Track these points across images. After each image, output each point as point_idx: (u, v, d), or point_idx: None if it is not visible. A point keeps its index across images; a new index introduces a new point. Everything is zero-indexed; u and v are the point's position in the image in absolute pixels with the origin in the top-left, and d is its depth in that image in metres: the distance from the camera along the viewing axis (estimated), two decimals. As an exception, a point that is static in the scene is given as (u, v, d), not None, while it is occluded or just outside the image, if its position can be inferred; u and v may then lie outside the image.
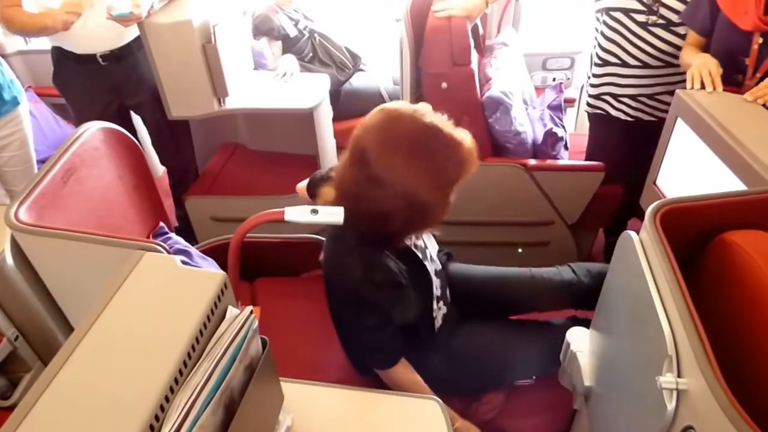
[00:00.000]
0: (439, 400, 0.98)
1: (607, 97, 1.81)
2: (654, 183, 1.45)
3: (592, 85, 1.84)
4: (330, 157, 2.16)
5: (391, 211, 1.02)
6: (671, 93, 1.39)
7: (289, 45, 2.42)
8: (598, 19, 1.75)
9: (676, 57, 1.65)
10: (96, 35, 1.86)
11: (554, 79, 2.50)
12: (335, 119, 2.22)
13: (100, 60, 1.92)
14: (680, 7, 1.57)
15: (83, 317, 0.70)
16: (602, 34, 1.73)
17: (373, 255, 1.10)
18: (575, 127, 2.64)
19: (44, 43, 2.15)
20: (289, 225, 1.14)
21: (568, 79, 2.53)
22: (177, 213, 2.33)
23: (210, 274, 0.76)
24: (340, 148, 2.21)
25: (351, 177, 1.04)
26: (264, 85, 2.16)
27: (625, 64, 1.71)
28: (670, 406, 0.74)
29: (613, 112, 1.81)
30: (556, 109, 2.08)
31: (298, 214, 1.11)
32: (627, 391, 0.92)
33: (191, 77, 1.88)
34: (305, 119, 2.02)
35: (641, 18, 1.62)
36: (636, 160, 1.70)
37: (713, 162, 1.18)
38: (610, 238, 2.21)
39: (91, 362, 0.65)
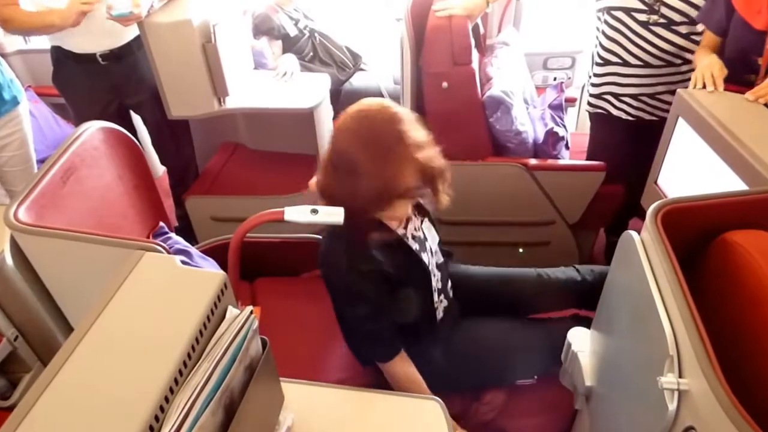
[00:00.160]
0: (440, 400, 0.97)
1: (609, 97, 1.80)
2: (655, 183, 1.45)
3: (593, 85, 1.84)
4: (330, 156, 2.15)
5: (349, 192, 1.07)
6: (672, 92, 1.39)
7: (289, 44, 2.42)
8: (599, 19, 1.75)
9: (678, 56, 1.64)
10: (96, 35, 1.86)
11: (555, 79, 2.49)
12: (335, 119, 2.22)
13: (99, 59, 1.92)
14: (681, 6, 1.57)
15: (83, 317, 0.70)
16: (603, 33, 1.73)
17: (359, 246, 1.11)
18: (576, 127, 2.64)
19: (44, 43, 2.14)
20: (289, 225, 1.14)
21: (569, 78, 2.53)
22: (177, 213, 2.33)
23: (210, 274, 0.76)
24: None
25: (323, 170, 1.11)
26: (264, 84, 2.16)
27: (626, 64, 1.71)
28: (672, 406, 0.74)
29: (615, 112, 1.81)
30: (557, 108, 2.08)
31: (297, 214, 1.11)
32: (628, 391, 0.92)
33: (191, 77, 1.88)
34: (306, 119, 2.02)
35: (642, 17, 1.62)
36: (637, 159, 1.70)
37: (714, 161, 1.18)
38: (612, 238, 2.21)
39: (91, 362, 0.65)
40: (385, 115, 1.05)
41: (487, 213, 1.94)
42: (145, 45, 1.83)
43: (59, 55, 1.94)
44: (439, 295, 1.29)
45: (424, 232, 1.26)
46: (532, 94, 2.14)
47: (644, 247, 0.88)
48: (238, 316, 0.75)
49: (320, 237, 1.52)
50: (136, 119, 2.22)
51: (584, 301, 1.37)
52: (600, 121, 1.89)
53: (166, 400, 0.62)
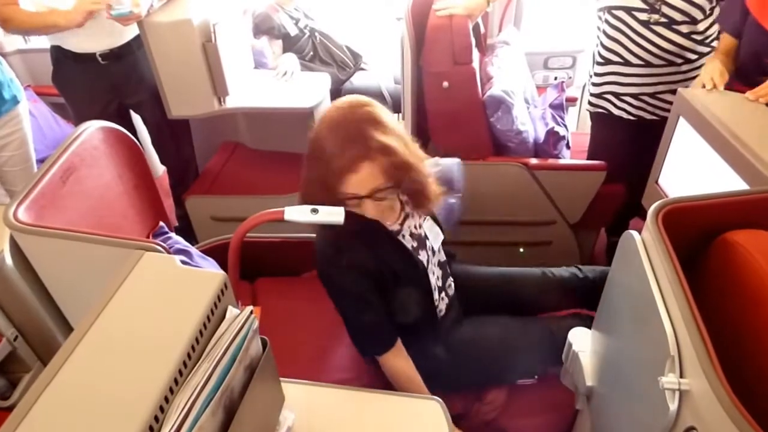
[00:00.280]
0: (440, 400, 0.97)
1: (609, 96, 1.80)
2: (656, 182, 1.45)
3: (594, 84, 1.84)
4: (330, 156, 2.15)
5: (304, 177, 1.09)
6: (673, 92, 1.39)
7: (289, 44, 2.42)
8: (600, 18, 1.75)
9: (679, 56, 1.64)
10: (95, 34, 1.86)
11: (556, 78, 2.49)
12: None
13: (99, 59, 1.92)
14: (683, 5, 1.57)
15: (83, 317, 0.70)
16: (604, 32, 1.73)
17: (343, 239, 1.12)
18: (577, 126, 2.64)
19: (43, 42, 2.14)
20: (289, 224, 1.14)
21: (570, 77, 2.52)
22: (177, 212, 2.33)
23: (210, 274, 0.76)
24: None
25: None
26: (264, 84, 2.16)
27: (627, 63, 1.71)
28: (673, 406, 0.74)
29: (615, 111, 1.81)
30: (558, 108, 2.08)
31: (298, 213, 1.11)
32: (629, 391, 0.92)
33: (191, 76, 1.88)
34: (306, 118, 2.01)
35: (643, 16, 1.61)
36: (638, 159, 1.70)
37: (715, 161, 1.18)
38: (613, 238, 2.21)
39: (91, 362, 0.65)
40: (362, 112, 1.05)
41: (488, 213, 1.94)
42: (145, 44, 1.83)
43: (59, 54, 1.94)
44: (439, 293, 1.30)
45: (424, 231, 1.26)
46: (533, 94, 2.13)
47: (645, 246, 0.88)
48: (238, 316, 0.74)
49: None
50: (136, 119, 2.22)
51: (585, 300, 1.37)
52: (601, 120, 1.89)
53: (166, 400, 0.62)
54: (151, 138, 2.24)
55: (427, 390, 1.20)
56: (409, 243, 1.23)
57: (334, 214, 1.08)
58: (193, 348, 0.68)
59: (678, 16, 1.59)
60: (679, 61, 1.65)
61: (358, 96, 1.12)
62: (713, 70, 1.37)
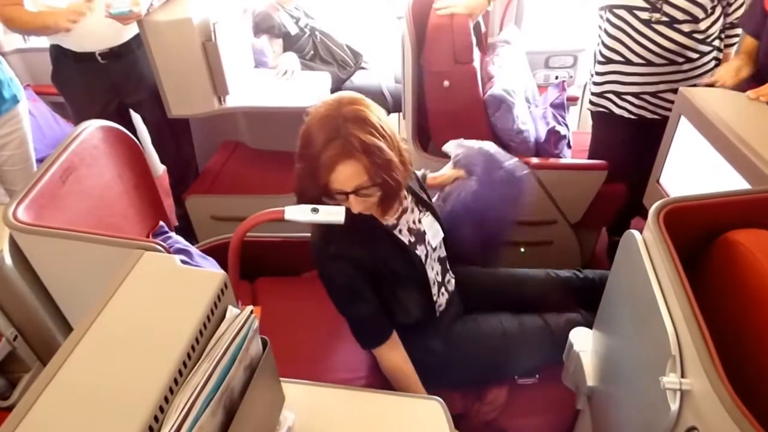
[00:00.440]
0: (441, 400, 0.97)
1: (611, 95, 1.80)
2: (657, 182, 1.45)
3: (596, 83, 1.83)
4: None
5: (300, 171, 1.10)
6: (674, 91, 1.39)
7: (290, 43, 2.42)
8: (601, 17, 1.74)
9: (680, 55, 1.64)
10: (95, 33, 1.85)
11: (557, 77, 2.49)
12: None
13: (99, 58, 1.91)
14: (684, 4, 1.56)
15: (82, 317, 0.70)
16: (606, 31, 1.72)
17: (335, 232, 1.13)
18: (578, 126, 2.63)
19: (43, 42, 2.14)
20: (289, 224, 1.14)
21: (571, 77, 2.52)
22: (177, 212, 2.33)
23: (210, 273, 0.76)
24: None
25: None
26: (265, 83, 2.15)
27: (628, 62, 1.70)
28: (674, 406, 0.73)
29: (617, 110, 1.81)
30: (559, 107, 2.07)
31: (298, 213, 1.11)
32: (630, 391, 0.92)
33: (191, 75, 1.88)
34: (306, 117, 2.01)
35: (645, 15, 1.61)
36: (639, 158, 1.70)
37: (717, 160, 1.17)
38: (614, 238, 2.21)
39: (90, 362, 0.65)
40: (347, 110, 1.05)
41: (488, 212, 1.93)
42: (145, 43, 1.82)
43: (58, 53, 1.94)
44: (438, 289, 1.31)
45: (423, 226, 1.26)
46: (534, 93, 2.13)
47: (646, 246, 0.88)
48: (238, 316, 0.74)
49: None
50: (136, 118, 2.21)
51: (586, 300, 1.37)
52: (602, 119, 1.89)
53: (166, 400, 0.62)
54: (151, 137, 2.24)
55: (422, 386, 1.20)
56: (406, 238, 1.23)
57: (335, 214, 1.08)
58: (193, 348, 0.68)
59: (680, 15, 1.58)
60: (681, 60, 1.65)
61: (350, 93, 1.13)
62: (728, 68, 1.38)
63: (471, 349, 1.32)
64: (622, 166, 1.83)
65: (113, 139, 1.46)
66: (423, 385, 1.21)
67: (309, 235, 1.57)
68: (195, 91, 1.92)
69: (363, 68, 2.61)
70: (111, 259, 1.09)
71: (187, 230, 2.22)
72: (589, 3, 2.20)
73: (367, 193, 1.08)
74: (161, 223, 1.60)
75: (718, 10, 1.61)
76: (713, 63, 1.70)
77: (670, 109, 1.44)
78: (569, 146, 1.99)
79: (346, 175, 1.05)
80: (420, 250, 1.24)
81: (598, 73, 1.81)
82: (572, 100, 2.39)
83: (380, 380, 1.26)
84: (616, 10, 1.66)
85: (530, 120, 1.90)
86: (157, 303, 0.73)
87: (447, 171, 1.48)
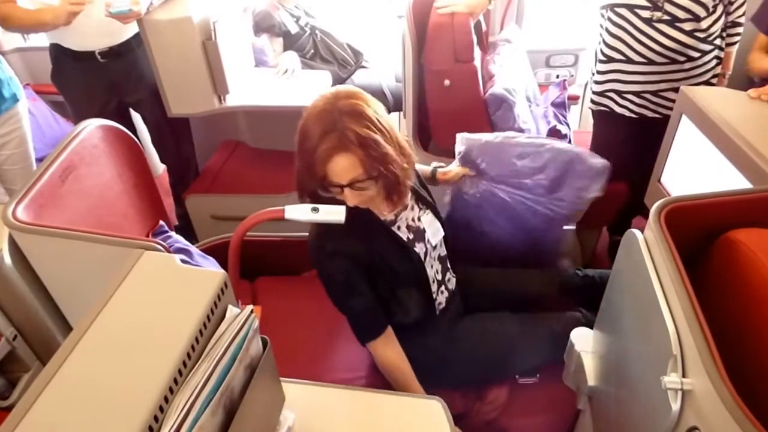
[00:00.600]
0: (441, 400, 0.97)
1: (612, 94, 1.79)
2: (658, 181, 1.44)
3: (597, 82, 1.83)
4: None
5: (299, 165, 1.11)
6: (676, 90, 1.38)
7: (290, 42, 2.42)
8: (602, 16, 1.74)
9: (681, 54, 1.63)
10: (94, 32, 1.85)
11: (558, 76, 2.48)
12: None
13: (98, 57, 1.91)
14: (686, 3, 1.56)
15: (82, 317, 0.69)
16: (607, 30, 1.72)
17: (331, 227, 1.13)
18: (579, 125, 2.63)
19: (42, 41, 2.14)
20: (290, 223, 1.14)
21: (572, 76, 2.51)
22: (177, 211, 2.33)
23: (210, 273, 0.76)
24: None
25: None
26: (265, 82, 2.15)
27: (629, 61, 1.70)
28: (675, 406, 0.73)
29: (618, 109, 1.80)
30: (560, 106, 2.07)
31: (298, 212, 1.11)
32: (631, 391, 0.92)
33: (191, 74, 1.87)
34: (306, 117, 2.01)
35: (646, 14, 1.61)
36: (640, 157, 1.69)
37: (718, 159, 1.17)
38: (615, 237, 2.20)
39: (90, 362, 0.65)
40: (344, 104, 1.06)
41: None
42: (145, 42, 1.82)
43: (58, 52, 1.93)
44: (438, 287, 1.31)
45: (423, 224, 1.26)
46: (535, 92, 2.12)
47: (647, 245, 0.88)
48: (238, 316, 0.74)
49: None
50: (136, 117, 2.21)
51: (586, 300, 1.37)
52: (603, 118, 1.89)
53: (166, 400, 0.62)
54: (151, 136, 2.24)
55: (419, 384, 1.20)
56: (405, 234, 1.24)
57: (335, 213, 1.08)
58: (192, 347, 0.67)
59: (681, 14, 1.58)
60: (682, 59, 1.64)
61: (348, 87, 1.13)
62: None
63: (471, 349, 1.32)
64: (623, 166, 1.83)
65: (113, 139, 1.46)
66: (423, 384, 1.21)
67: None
68: (195, 90, 1.92)
69: (363, 67, 2.61)
70: (111, 258, 1.09)
71: (187, 230, 2.22)
72: (589, 2, 2.20)
73: (362, 186, 1.08)
74: (161, 222, 1.60)
75: (720, 8, 1.61)
76: (715, 62, 1.69)
77: (671, 108, 1.43)
78: (570, 145, 1.99)
79: (342, 167, 1.05)
80: (419, 248, 1.24)
81: (599, 72, 1.81)
82: (573, 99, 2.38)
83: (380, 380, 1.26)
84: (617, 9, 1.66)
85: (531, 119, 1.89)
86: (157, 302, 0.73)
87: (454, 167, 1.49)
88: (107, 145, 1.44)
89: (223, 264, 1.36)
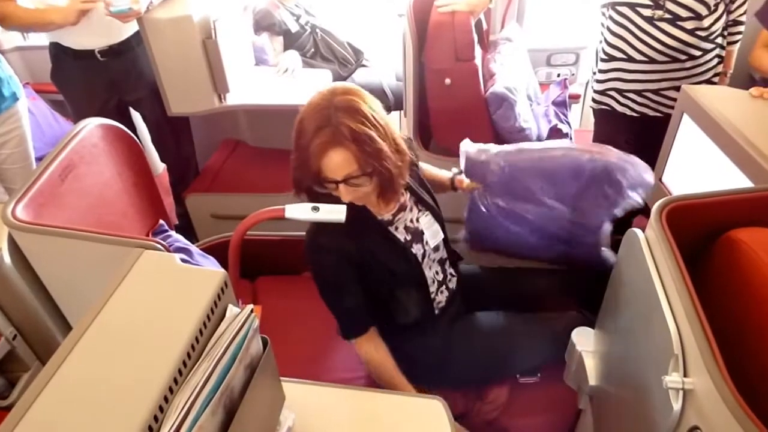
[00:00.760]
0: (442, 399, 0.97)
1: (613, 93, 1.79)
2: (660, 180, 1.44)
3: (598, 81, 1.83)
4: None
5: (296, 160, 1.10)
6: (677, 88, 1.38)
7: (290, 40, 2.41)
8: (603, 14, 1.74)
9: (683, 52, 1.63)
10: (94, 31, 1.85)
11: (559, 75, 2.48)
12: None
13: (98, 56, 1.91)
14: (687, 1, 1.56)
15: (81, 316, 0.69)
16: (608, 29, 1.72)
17: (324, 224, 1.13)
18: (580, 124, 2.62)
19: (42, 39, 2.14)
20: (290, 222, 1.14)
21: (573, 74, 2.51)
22: (177, 210, 2.32)
23: (210, 272, 0.76)
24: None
25: None
26: (265, 81, 2.15)
27: (630, 59, 1.70)
28: (676, 406, 0.73)
29: (619, 108, 1.80)
30: (561, 105, 2.07)
31: (298, 211, 1.11)
32: (632, 390, 0.91)
33: (191, 73, 1.87)
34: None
35: (648, 13, 1.60)
36: (642, 156, 1.69)
37: (719, 158, 1.17)
38: (616, 236, 2.19)
39: (89, 361, 0.65)
40: (340, 100, 1.06)
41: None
42: (145, 41, 1.82)
43: (57, 51, 1.93)
44: (438, 287, 1.31)
45: (422, 226, 1.26)
46: (536, 91, 2.12)
47: (648, 244, 0.88)
48: (238, 315, 0.74)
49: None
50: (136, 116, 2.21)
51: (587, 299, 1.37)
52: (604, 117, 1.88)
53: (166, 399, 0.61)
54: (151, 135, 2.23)
55: (403, 379, 1.20)
56: (402, 235, 1.23)
57: (335, 212, 1.08)
58: (192, 347, 0.67)
59: (683, 12, 1.57)
60: (683, 57, 1.64)
61: (345, 83, 1.14)
62: None
63: (472, 348, 1.32)
64: (624, 165, 1.83)
65: (113, 137, 1.46)
66: (423, 384, 1.21)
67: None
68: (195, 89, 1.92)
69: (364, 66, 2.60)
70: (110, 257, 1.09)
71: (187, 229, 2.22)
72: (590, 0, 2.19)
73: (357, 182, 1.08)
74: (161, 221, 1.60)
75: (721, 7, 1.60)
76: (716, 60, 1.69)
77: (672, 107, 1.43)
78: (571, 144, 1.99)
79: (336, 162, 1.05)
80: (416, 249, 1.24)
81: (600, 71, 1.80)
82: (574, 97, 2.38)
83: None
84: (618, 8, 1.66)
85: (532, 118, 1.89)
86: (157, 302, 0.73)
87: (465, 178, 1.41)
88: (107, 144, 1.43)
89: (224, 263, 1.36)
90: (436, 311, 1.31)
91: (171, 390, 0.62)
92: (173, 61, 1.86)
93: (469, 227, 1.38)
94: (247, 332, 0.73)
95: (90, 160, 1.36)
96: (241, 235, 1.22)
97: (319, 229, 1.17)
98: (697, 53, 1.64)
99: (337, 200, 1.12)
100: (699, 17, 1.58)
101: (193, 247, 1.48)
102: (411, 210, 1.26)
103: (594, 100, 1.87)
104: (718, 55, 1.69)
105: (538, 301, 1.40)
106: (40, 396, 0.61)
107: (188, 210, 2.21)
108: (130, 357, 0.65)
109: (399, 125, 2.59)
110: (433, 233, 1.28)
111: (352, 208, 1.12)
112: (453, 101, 1.76)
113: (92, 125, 1.40)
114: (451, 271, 1.37)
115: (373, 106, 1.09)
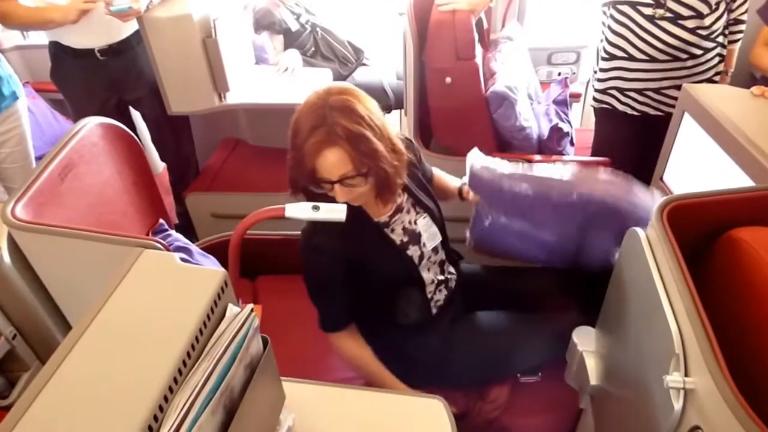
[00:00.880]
0: (443, 399, 0.97)
1: (614, 92, 1.79)
2: (661, 179, 1.44)
3: (599, 80, 1.82)
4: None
5: (292, 160, 1.11)
6: (678, 87, 1.38)
7: (290, 39, 2.41)
8: (604, 13, 1.73)
9: (684, 51, 1.63)
10: (94, 30, 1.85)
11: (559, 74, 2.48)
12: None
13: (98, 55, 1.91)
14: (689, 0, 1.55)
15: (81, 315, 0.69)
16: (609, 27, 1.71)
17: (319, 224, 1.13)
18: (581, 123, 2.62)
19: (42, 38, 2.13)
20: (290, 222, 1.13)
21: (574, 73, 2.51)
22: (177, 210, 2.32)
23: (210, 271, 0.75)
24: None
25: None
26: (265, 79, 2.15)
27: (631, 58, 1.69)
28: (677, 405, 0.73)
29: (620, 107, 1.80)
30: (562, 104, 2.06)
31: (299, 210, 1.10)
32: (633, 390, 0.91)
33: (191, 72, 1.87)
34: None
35: (648, 11, 1.60)
36: (642, 155, 1.69)
37: (720, 157, 1.16)
38: (616, 235, 2.19)
39: (89, 361, 0.64)
40: (335, 99, 1.06)
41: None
42: (145, 40, 1.82)
43: (57, 50, 1.93)
44: (437, 287, 1.30)
45: (419, 227, 1.26)
46: (537, 90, 2.12)
47: (650, 243, 0.87)
48: (238, 315, 0.74)
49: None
50: (136, 115, 2.21)
51: (588, 299, 1.36)
52: (605, 116, 1.88)
53: (165, 399, 0.61)
54: (151, 134, 2.23)
55: (387, 372, 1.20)
56: (399, 237, 1.23)
57: (336, 212, 1.08)
58: (192, 347, 0.67)
59: (684, 11, 1.57)
60: (685, 56, 1.64)
61: (342, 83, 1.14)
62: None
63: (472, 348, 1.32)
64: (625, 164, 1.81)
65: (112, 136, 1.46)
66: (424, 384, 1.21)
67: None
68: (195, 88, 1.92)
69: (364, 65, 2.60)
70: (110, 257, 1.09)
71: (187, 228, 2.22)
72: (591, -1, 2.19)
73: (352, 183, 1.08)
74: (161, 220, 1.59)
75: (723, 5, 1.60)
76: (717, 59, 1.69)
77: (673, 106, 1.42)
78: (572, 143, 1.98)
79: (331, 162, 1.05)
80: (412, 251, 1.24)
81: (601, 70, 1.80)
82: (575, 96, 2.38)
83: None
84: (619, 6, 1.65)
85: (533, 117, 1.89)
86: (157, 301, 0.72)
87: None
88: (107, 143, 1.43)
89: (224, 262, 1.36)
90: (435, 310, 1.31)
91: (171, 389, 0.62)
92: (173, 60, 1.85)
93: (473, 236, 1.37)
94: (247, 332, 0.73)
95: (90, 159, 1.36)
96: (241, 234, 1.22)
97: (315, 228, 1.17)
98: (699, 52, 1.63)
99: (333, 201, 1.12)
100: (700, 16, 1.58)
101: (193, 247, 1.47)
102: (408, 212, 1.26)
103: (595, 99, 1.87)
104: (719, 54, 1.69)
105: (539, 301, 1.40)
106: (40, 395, 0.60)
107: (188, 209, 2.21)
108: (130, 356, 0.65)
109: (399, 124, 2.59)
110: (431, 235, 1.28)
111: (348, 209, 1.12)
112: (453, 100, 1.76)
113: (92, 124, 1.40)
114: (451, 270, 1.37)
115: (368, 106, 1.09)
